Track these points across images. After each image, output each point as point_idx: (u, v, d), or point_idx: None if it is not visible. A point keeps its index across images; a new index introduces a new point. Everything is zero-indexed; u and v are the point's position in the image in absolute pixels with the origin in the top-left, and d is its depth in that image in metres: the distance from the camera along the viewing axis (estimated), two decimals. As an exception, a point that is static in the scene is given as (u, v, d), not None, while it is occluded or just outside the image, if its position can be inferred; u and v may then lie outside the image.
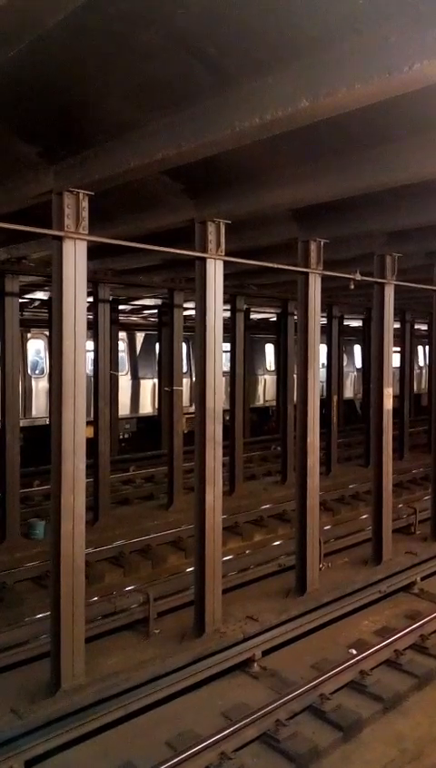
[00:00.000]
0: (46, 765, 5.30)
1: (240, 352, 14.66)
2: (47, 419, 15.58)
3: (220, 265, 7.29)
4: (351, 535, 11.07)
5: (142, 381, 19.82)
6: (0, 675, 6.65)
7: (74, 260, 6.08)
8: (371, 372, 10.42)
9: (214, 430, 7.34)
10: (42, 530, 10.96)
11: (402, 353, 19.39)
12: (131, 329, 20.02)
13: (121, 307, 18.10)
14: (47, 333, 16.49)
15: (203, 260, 7.21)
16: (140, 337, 20.10)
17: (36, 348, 17.47)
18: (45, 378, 16.81)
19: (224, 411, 8.65)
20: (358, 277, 8.91)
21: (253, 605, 8.27)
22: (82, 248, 6.14)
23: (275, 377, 21.25)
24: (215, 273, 7.26)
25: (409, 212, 7.52)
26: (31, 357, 17.30)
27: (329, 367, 17.06)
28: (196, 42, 4.37)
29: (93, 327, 11.51)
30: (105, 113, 5.42)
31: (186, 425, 14.23)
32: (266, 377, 22.96)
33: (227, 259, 7.35)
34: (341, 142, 5.72)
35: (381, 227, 8.43)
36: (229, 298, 14.17)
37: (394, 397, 10.48)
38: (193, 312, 8.27)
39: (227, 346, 13.03)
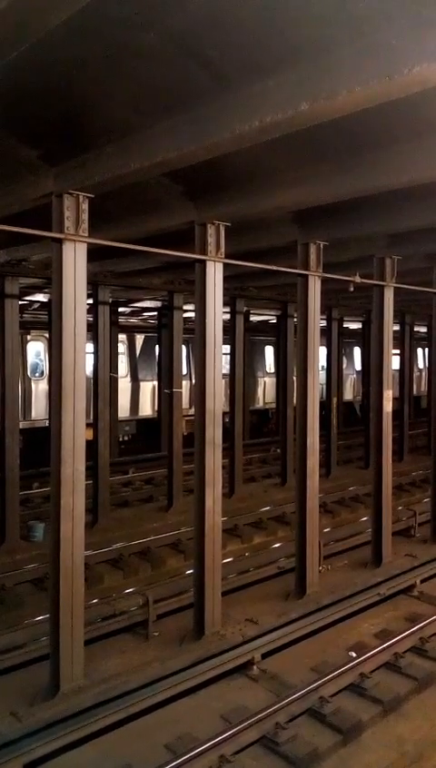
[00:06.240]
0: (45, 768, 5.30)
1: (239, 354, 14.66)
2: (47, 422, 15.54)
3: (219, 267, 7.30)
4: (350, 537, 11.07)
5: (141, 383, 19.81)
6: (-1, 678, 6.65)
7: (74, 262, 6.08)
8: (371, 374, 10.43)
9: (214, 432, 7.34)
10: (41, 532, 10.96)
11: (402, 355, 19.39)
12: (131, 331, 20.02)
13: (121, 309, 18.10)
14: (47, 335, 16.49)
15: (203, 262, 7.21)
16: (140, 339, 20.11)
17: (36, 350, 17.47)
18: (45, 380, 16.80)
19: (224, 413, 8.65)
20: (358, 279, 8.91)
21: (253, 607, 8.26)
22: (82, 250, 6.13)
23: (275, 379, 21.24)
24: (215, 275, 7.27)
25: (409, 215, 7.54)
26: (31, 359, 17.29)
27: (328, 369, 17.07)
28: (196, 45, 4.38)
29: (92, 329, 11.52)
30: (106, 115, 5.44)
31: (186, 427, 14.23)
32: (266, 379, 22.95)
33: (227, 261, 7.36)
34: (341, 144, 5.73)
35: (381, 229, 8.43)
36: (229, 300, 14.16)
37: (394, 399, 10.49)
38: (192, 314, 8.27)
39: (227, 348, 13.03)
